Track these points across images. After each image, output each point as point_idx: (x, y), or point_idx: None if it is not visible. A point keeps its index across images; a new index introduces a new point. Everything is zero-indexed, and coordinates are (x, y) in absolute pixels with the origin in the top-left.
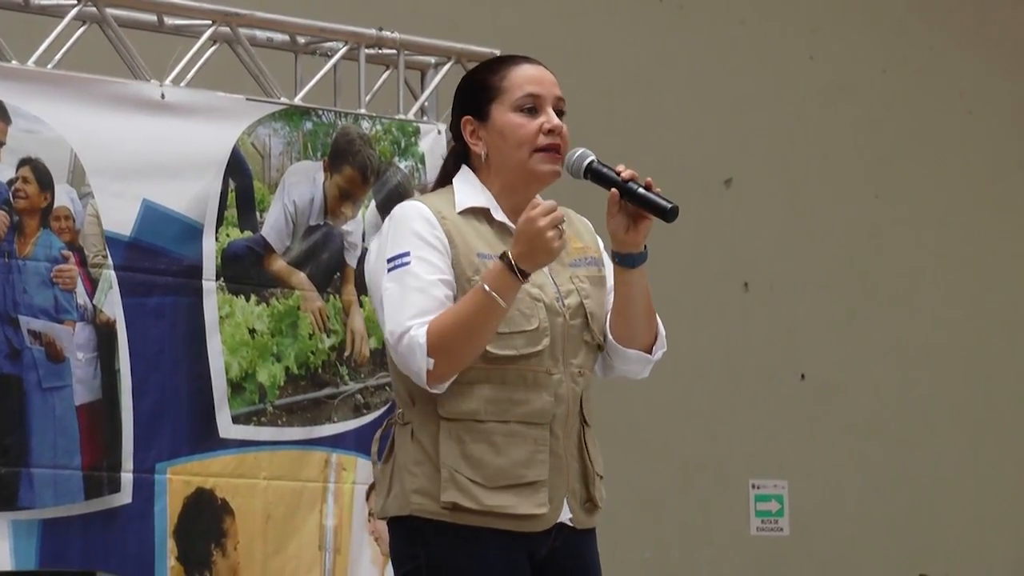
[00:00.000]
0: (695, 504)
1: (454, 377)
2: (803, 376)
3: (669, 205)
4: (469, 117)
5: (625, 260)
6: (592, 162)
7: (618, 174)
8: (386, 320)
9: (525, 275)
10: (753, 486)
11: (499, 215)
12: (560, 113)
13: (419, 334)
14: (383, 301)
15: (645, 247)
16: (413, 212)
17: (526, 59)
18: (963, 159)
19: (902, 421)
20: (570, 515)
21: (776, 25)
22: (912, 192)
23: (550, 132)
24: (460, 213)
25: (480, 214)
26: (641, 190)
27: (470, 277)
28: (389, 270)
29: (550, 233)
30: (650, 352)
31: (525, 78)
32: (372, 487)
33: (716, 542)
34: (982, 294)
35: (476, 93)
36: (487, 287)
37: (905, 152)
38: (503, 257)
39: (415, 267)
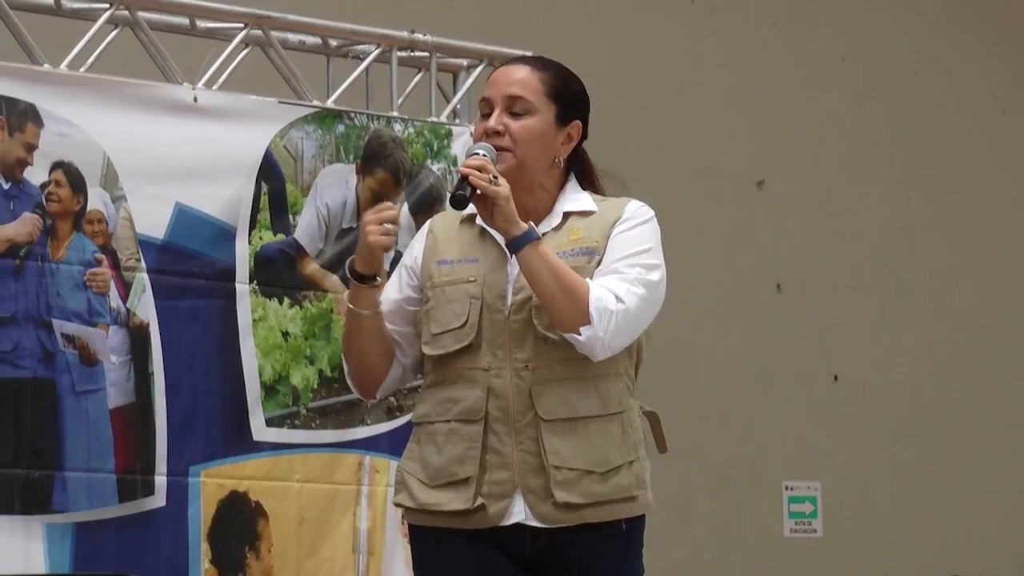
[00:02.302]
0: (728, 506)
1: (371, 392)
2: (836, 377)
3: (455, 192)
4: None
5: (506, 246)
6: (468, 152)
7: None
8: None
9: (360, 277)
10: (786, 487)
11: (480, 220)
12: (518, 112)
13: None
14: None
15: (530, 230)
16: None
17: (511, 61)
18: (995, 160)
19: (935, 422)
20: (528, 513)
21: (808, 27)
22: (944, 193)
23: (484, 134)
24: (462, 221)
25: (472, 220)
26: (458, 179)
27: (425, 285)
28: None
29: (369, 227)
30: (577, 332)
31: (487, 83)
32: None
33: (749, 544)
34: (1015, 295)
35: None
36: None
37: (937, 153)
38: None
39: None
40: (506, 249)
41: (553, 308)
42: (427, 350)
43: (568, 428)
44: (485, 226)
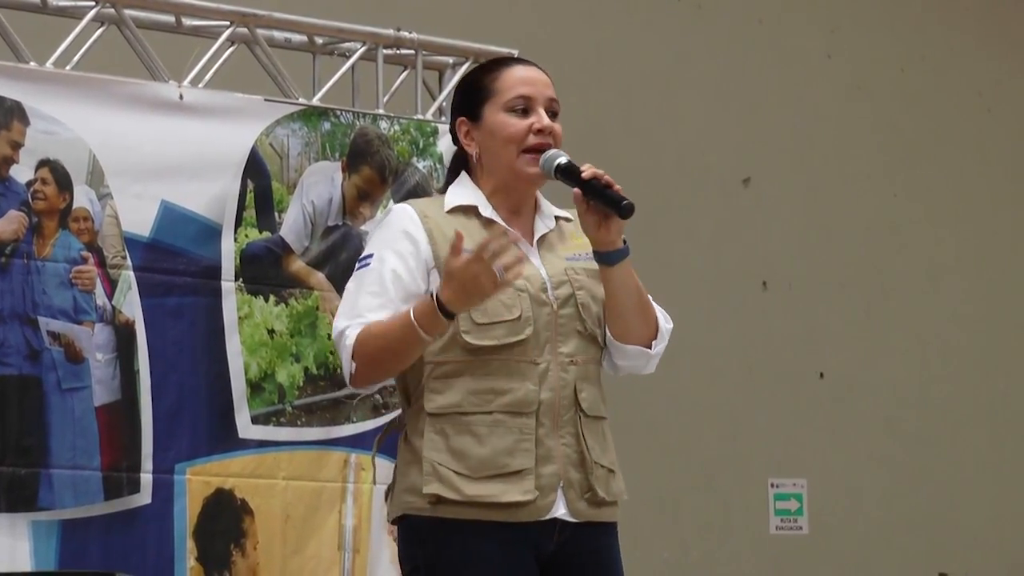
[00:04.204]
0: (714, 503)
1: (379, 382)
2: (822, 375)
3: (623, 201)
4: (463, 118)
5: (603, 258)
6: (562, 163)
7: (581, 173)
8: (337, 316)
9: (451, 316)
10: (772, 485)
11: (486, 211)
12: (553, 114)
13: (351, 335)
14: (343, 299)
15: (625, 244)
16: (396, 214)
17: (520, 61)
18: (982, 158)
19: (921, 419)
20: (567, 507)
21: (794, 24)
22: (931, 191)
23: (539, 132)
24: (449, 212)
25: (469, 211)
26: (599, 186)
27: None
28: (356, 269)
29: (483, 278)
30: (649, 347)
31: (517, 79)
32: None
33: (735, 541)
34: (1001, 292)
35: (470, 94)
36: (413, 317)
37: (923, 151)
38: (433, 296)
39: (376, 267)
40: (597, 259)
41: (634, 323)
42: (470, 339)
43: (595, 426)
44: (494, 218)
